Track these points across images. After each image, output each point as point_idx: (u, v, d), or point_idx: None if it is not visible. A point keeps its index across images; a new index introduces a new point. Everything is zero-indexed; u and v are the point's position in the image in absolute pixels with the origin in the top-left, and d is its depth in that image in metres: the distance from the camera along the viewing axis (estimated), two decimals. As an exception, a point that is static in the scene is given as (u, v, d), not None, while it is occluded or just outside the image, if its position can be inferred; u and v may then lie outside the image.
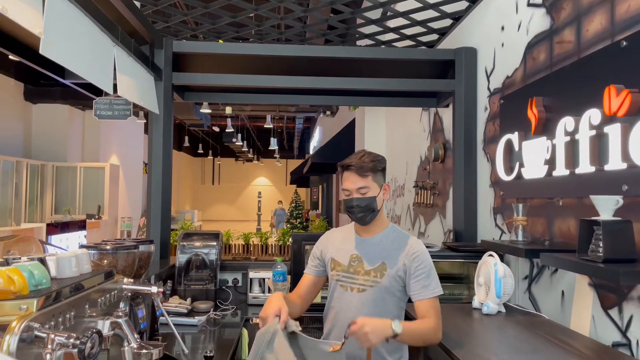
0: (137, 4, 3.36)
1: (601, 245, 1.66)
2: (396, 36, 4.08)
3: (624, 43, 1.79)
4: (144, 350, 1.41)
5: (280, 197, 22.76)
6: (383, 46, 4.33)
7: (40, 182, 8.73)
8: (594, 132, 1.85)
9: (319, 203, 16.21)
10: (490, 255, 2.27)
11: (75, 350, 1.10)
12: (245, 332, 2.83)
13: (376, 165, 1.94)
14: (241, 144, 16.53)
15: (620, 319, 1.80)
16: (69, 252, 1.44)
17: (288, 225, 12.78)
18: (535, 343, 1.75)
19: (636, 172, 1.67)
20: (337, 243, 2.07)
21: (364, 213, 1.94)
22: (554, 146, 2.14)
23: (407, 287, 1.91)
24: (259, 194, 18.50)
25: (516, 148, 2.50)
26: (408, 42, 4.19)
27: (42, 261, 1.29)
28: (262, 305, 3.19)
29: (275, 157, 20.87)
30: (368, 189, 1.92)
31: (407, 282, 1.91)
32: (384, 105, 4.89)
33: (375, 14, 3.95)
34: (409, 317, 2.06)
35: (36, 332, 1.07)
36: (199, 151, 18.30)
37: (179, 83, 3.52)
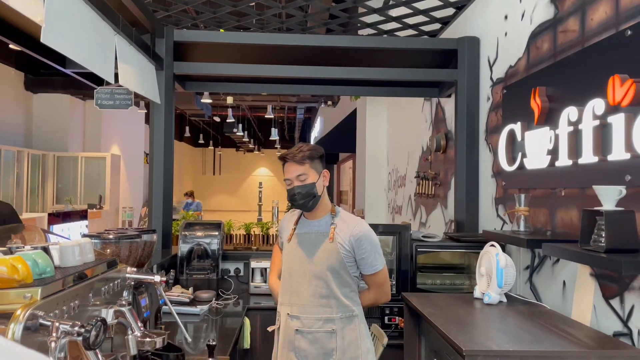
0: (138, -8, 3.33)
1: (603, 235, 1.66)
2: (398, 25, 4.05)
3: (629, 32, 1.77)
4: (148, 339, 1.42)
5: (281, 188, 22.69)
6: (385, 35, 4.30)
7: (42, 172, 8.72)
8: (597, 122, 1.85)
9: (319, 193, 16.07)
10: (492, 245, 2.27)
11: (80, 338, 1.10)
12: (247, 321, 2.85)
13: (312, 154, 2.10)
14: (242, 134, 16.47)
15: (621, 309, 1.80)
16: (73, 241, 1.44)
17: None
18: (537, 332, 1.76)
19: (639, 163, 1.67)
20: (286, 223, 2.28)
21: (305, 200, 2.08)
22: (557, 136, 2.13)
23: (357, 263, 2.11)
24: (259, 184, 18.44)
25: (519, 138, 2.49)
26: (410, 32, 4.16)
27: (46, 250, 1.29)
28: (263, 294, 3.25)
29: (276, 148, 20.80)
30: (307, 176, 2.07)
31: (355, 258, 2.09)
32: (385, 95, 4.88)
33: (377, 3, 3.92)
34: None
35: (41, 321, 1.07)
36: (199, 141, 18.25)
37: (180, 72, 3.51)
